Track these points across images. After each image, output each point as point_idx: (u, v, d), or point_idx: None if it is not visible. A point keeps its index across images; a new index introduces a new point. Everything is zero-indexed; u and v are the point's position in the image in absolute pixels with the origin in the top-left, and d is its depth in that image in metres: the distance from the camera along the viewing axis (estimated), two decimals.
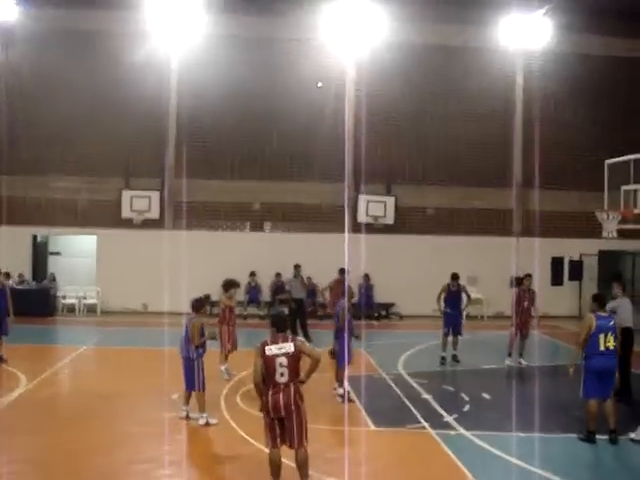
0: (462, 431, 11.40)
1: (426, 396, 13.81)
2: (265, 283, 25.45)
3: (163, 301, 23.32)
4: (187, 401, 11.66)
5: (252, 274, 25.29)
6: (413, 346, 19.00)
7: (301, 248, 23.87)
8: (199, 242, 24.72)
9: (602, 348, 10.82)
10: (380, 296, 25.67)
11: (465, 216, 26.74)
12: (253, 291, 25.40)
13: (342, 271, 19.58)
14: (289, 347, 8.42)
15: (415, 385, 14.76)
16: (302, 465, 8.51)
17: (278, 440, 8.47)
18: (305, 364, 8.50)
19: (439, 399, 13.52)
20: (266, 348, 8.44)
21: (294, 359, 8.42)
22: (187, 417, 11.55)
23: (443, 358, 16.91)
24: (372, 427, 11.66)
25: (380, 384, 14.83)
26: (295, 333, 18.67)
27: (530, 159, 25.92)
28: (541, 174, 25.34)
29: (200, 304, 11.66)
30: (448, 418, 12.17)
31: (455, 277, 17.02)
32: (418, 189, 26.33)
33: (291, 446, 8.45)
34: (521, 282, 17.51)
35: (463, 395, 13.91)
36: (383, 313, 25.75)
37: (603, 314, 11.10)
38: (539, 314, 17.49)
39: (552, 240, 25.93)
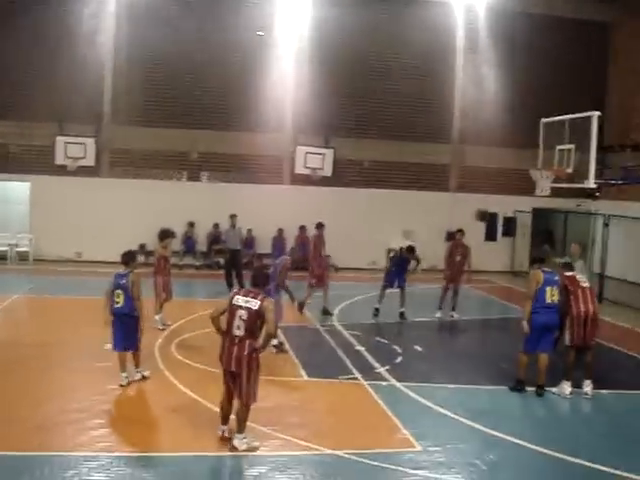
0: (393, 382, 11.57)
1: (359, 348, 13.90)
2: (203, 234, 25.37)
3: (97, 250, 23.51)
4: (126, 365, 10.91)
5: (190, 224, 25.15)
6: (348, 298, 19.04)
7: (240, 199, 23.52)
8: (135, 191, 24.52)
9: (548, 301, 11.09)
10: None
11: (402, 170, 26.83)
12: (189, 241, 25.26)
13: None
14: (254, 303, 8.35)
15: (349, 337, 14.83)
16: (238, 420, 8.55)
17: (229, 392, 8.57)
18: None
19: (372, 351, 13.63)
20: (235, 297, 8.46)
21: (255, 316, 8.33)
22: (129, 384, 10.89)
23: (377, 310, 16.89)
24: (305, 378, 11.74)
25: (314, 335, 14.92)
26: (231, 284, 18.99)
27: (467, 116, 26.48)
28: (478, 131, 26.05)
29: (131, 257, 11.04)
30: (380, 369, 12.31)
31: (410, 250, 16.91)
32: (356, 142, 26.23)
33: (237, 398, 8.54)
34: (453, 236, 17.89)
35: (395, 347, 14.02)
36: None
37: (547, 269, 11.36)
38: (471, 269, 17.63)
39: (487, 196, 26.44)
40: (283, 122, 25.53)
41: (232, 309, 8.42)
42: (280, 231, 25.32)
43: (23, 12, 23.66)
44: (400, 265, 16.99)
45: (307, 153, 25.62)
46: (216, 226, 24.79)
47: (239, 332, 8.37)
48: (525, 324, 11.21)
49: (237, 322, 8.35)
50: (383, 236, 23.96)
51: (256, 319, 8.33)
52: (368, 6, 25.61)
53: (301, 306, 15.95)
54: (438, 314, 17.31)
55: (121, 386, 10.71)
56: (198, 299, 18.90)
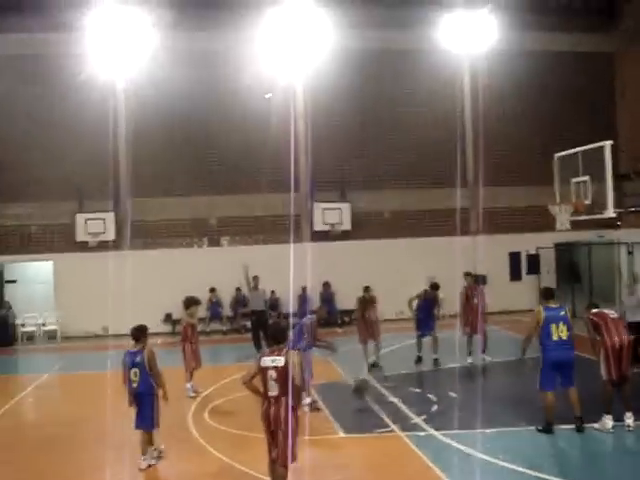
0: (432, 431, 11.43)
1: (393, 399, 13.74)
2: (226, 298, 25.34)
3: (123, 323, 22.59)
4: (146, 447, 10.47)
5: (212, 290, 25.06)
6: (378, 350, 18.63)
7: (260, 260, 22.55)
8: (157, 261, 24.62)
9: (555, 338, 11.06)
10: (342, 302, 25.22)
11: (421, 218, 26.69)
12: (214, 307, 25.20)
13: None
14: (280, 361, 8.37)
15: (382, 389, 14.65)
16: None
17: (272, 452, 8.47)
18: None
19: (407, 401, 13.47)
20: (262, 359, 8.48)
21: (284, 373, 8.33)
22: (149, 467, 10.36)
23: (419, 358, 16.98)
24: (341, 434, 11.61)
25: (346, 391, 14.57)
26: (259, 346, 18.95)
27: (480, 157, 25.80)
28: (492, 171, 25.56)
29: (142, 332, 10.67)
30: (417, 419, 12.17)
31: (435, 287, 16.95)
32: (372, 194, 26.22)
33: (276, 460, 8.42)
34: (476, 280, 17.74)
35: (430, 396, 13.88)
36: (346, 319, 25.29)
37: (552, 305, 11.34)
38: (487, 310, 17.53)
39: (508, 236, 26.18)
40: (298, 180, 25.52)
41: (263, 371, 8.43)
42: (304, 289, 24.84)
43: (36, 97, 24.09)
44: (426, 310, 16.91)
45: (324, 209, 25.68)
46: (239, 289, 24.67)
47: (273, 392, 8.37)
48: (523, 350, 11.41)
49: (270, 383, 8.37)
50: (408, 286, 22.51)
51: (286, 375, 8.31)
52: (373, 58, 25.84)
53: (375, 365, 16.17)
54: (469, 359, 17.11)
55: (140, 470, 10.25)
56: (227, 364, 18.70)
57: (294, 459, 8.42)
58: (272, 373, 8.36)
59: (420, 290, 17.47)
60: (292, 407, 8.33)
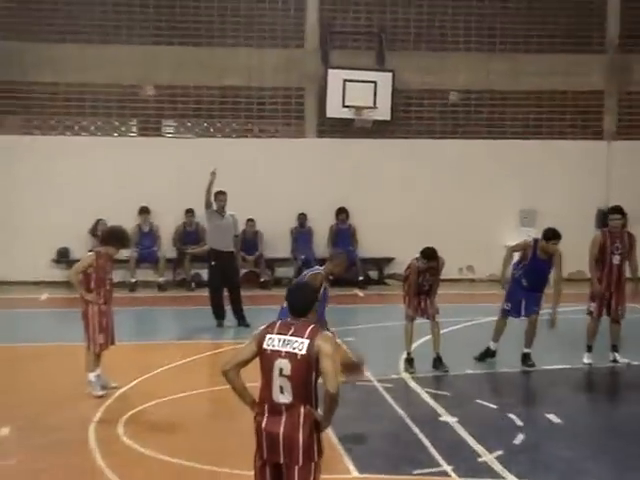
0: (510, 479, 11.18)
1: (448, 418, 13.47)
2: (166, 228, 24.68)
3: None
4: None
5: (144, 211, 24.28)
6: (425, 332, 17.49)
7: (231, 165, 22.32)
8: (46, 157, 23.95)
9: None
10: (368, 246, 25.03)
11: (517, 105, 25.91)
12: (146, 240, 24.44)
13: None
14: (300, 345, 8.00)
15: (427, 399, 14.52)
16: None
17: None
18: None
19: (471, 424, 13.12)
20: (266, 336, 8.12)
21: (305, 366, 7.96)
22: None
23: (490, 351, 16.70)
24: (355, 474, 11.39)
25: (369, 398, 14.48)
26: (221, 313, 19.33)
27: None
28: None
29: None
30: (487, 457, 11.81)
31: (555, 235, 16.31)
32: (431, 59, 25.37)
33: None
34: (606, 220, 17.88)
35: (512, 416, 13.49)
36: (373, 275, 25.27)
37: None
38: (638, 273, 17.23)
39: None
40: (303, 28, 25.08)
41: (265, 358, 8.12)
42: (302, 219, 24.67)
43: None
44: (535, 273, 16.43)
45: (346, 81, 24.52)
46: (189, 213, 24.06)
47: (284, 397, 8.04)
48: None
49: (278, 380, 8.01)
50: (487, 225, 24.34)
51: (308, 371, 7.99)
52: None
53: (439, 362, 16.39)
54: (586, 359, 16.71)
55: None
56: (164, 340, 18.68)
57: None
58: (284, 364, 7.96)
59: (526, 238, 17.31)
60: (317, 424, 8.11)
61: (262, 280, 23.59)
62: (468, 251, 24.18)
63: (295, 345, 8.00)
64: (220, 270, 19.43)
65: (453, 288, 22.47)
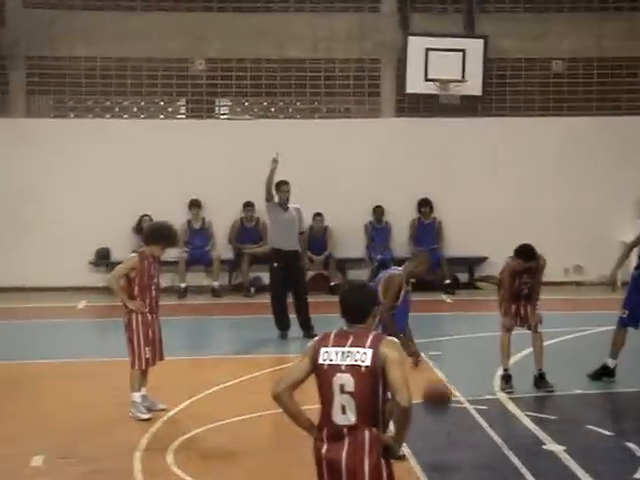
0: None
1: (554, 448, 12.90)
2: (221, 224, 24.32)
3: None
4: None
5: (194, 204, 23.90)
6: (526, 344, 17.02)
7: (295, 151, 22.04)
8: (90, 139, 23.74)
9: None
10: (456, 244, 24.82)
11: (630, 73, 25.21)
12: (197, 239, 24.15)
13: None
14: (362, 354, 7.79)
15: (528, 423, 13.97)
16: None
17: None
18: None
19: (582, 455, 12.45)
20: (320, 350, 7.95)
21: (370, 381, 7.71)
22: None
23: (607, 370, 15.96)
24: None
25: (459, 422, 13.94)
26: (284, 322, 19.12)
27: None
28: None
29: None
30: None
31: None
32: (531, 21, 24.91)
33: None
34: None
35: (631, 445, 12.82)
36: (462, 278, 24.96)
37: None
38: None
39: None
40: None
41: (323, 374, 7.87)
42: (379, 213, 24.22)
43: None
44: None
45: (429, 50, 24.30)
46: (248, 208, 23.67)
47: (346, 418, 7.77)
48: None
49: (338, 398, 7.79)
50: (598, 218, 24.05)
51: (374, 385, 7.70)
52: None
53: (541, 380, 15.81)
54: None
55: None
56: (219, 356, 18.49)
57: None
58: (345, 379, 7.74)
59: None
60: (387, 448, 7.83)
61: (332, 284, 23.04)
62: (575, 249, 23.76)
63: (357, 357, 7.79)
64: (283, 272, 19.19)
65: (558, 293, 22.21)
